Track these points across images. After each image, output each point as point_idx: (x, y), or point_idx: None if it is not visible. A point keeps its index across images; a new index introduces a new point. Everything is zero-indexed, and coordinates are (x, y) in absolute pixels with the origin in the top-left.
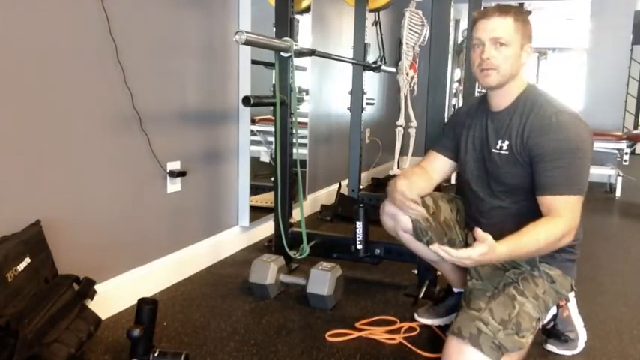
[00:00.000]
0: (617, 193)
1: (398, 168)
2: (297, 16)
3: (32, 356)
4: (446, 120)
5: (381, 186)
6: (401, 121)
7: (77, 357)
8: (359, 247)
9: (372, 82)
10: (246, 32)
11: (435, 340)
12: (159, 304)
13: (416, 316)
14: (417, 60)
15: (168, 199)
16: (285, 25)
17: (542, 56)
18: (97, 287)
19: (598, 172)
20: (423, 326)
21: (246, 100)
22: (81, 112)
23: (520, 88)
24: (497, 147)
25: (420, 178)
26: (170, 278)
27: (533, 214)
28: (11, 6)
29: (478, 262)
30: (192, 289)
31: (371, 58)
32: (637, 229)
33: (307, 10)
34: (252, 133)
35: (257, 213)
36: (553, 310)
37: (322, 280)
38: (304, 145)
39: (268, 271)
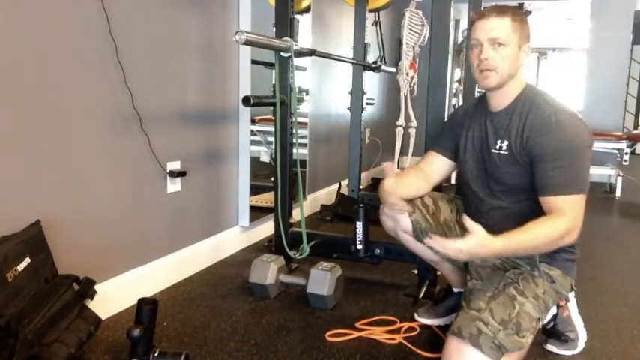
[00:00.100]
0: (617, 193)
1: (398, 168)
2: (297, 16)
3: (32, 356)
4: (446, 120)
5: None
6: (401, 121)
7: (77, 357)
8: (359, 247)
9: (372, 82)
10: (246, 32)
11: (435, 340)
12: (159, 304)
13: (416, 316)
14: (417, 60)
15: (168, 199)
16: (285, 25)
17: (542, 56)
18: (97, 287)
19: (598, 172)
20: (423, 326)
21: (246, 100)
22: (81, 112)
23: (519, 88)
24: (497, 147)
25: (416, 179)
26: (170, 278)
27: (533, 213)
28: (11, 6)
29: (473, 256)
30: (192, 289)
31: (371, 58)
32: (637, 229)
33: (307, 10)
34: (252, 133)
35: (257, 213)
36: (553, 310)
37: (322, 280)
38: (304, 145)
39: (268, 271)
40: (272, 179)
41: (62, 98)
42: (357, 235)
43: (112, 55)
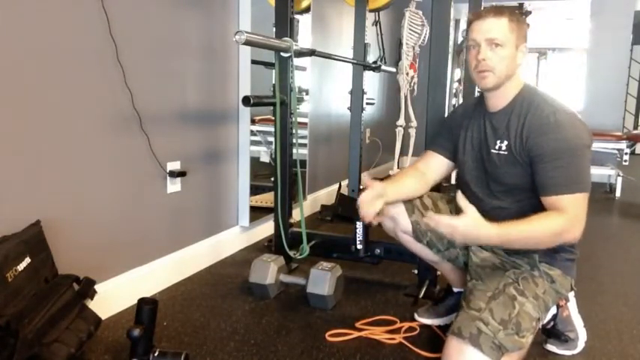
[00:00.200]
0: (617, 193)
1: (398, 168)
2: (297, 16)
3: (32, 356)
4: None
5: None
6: (401, 121)
7: (77, 357)
8: (359, 247)
9: (372, 82)
10: (246, 32)
11: (435, 340)
12: (159, 304)
13: (416, 316)
14: (417, 60)
15: (168, 199)
16: (285, 25)
17: (542, 56)
18: (97, 287)
19: (598, 172)
20: (423, 326)
21: (246, 100)
22: (81, 112)
23: (516, 88)
24: (496, 147)
25: (412, 179)
26: (170, 278)
27: (533, 213)
28: (11, 6)
29: (467, 237)
30: (192, 289)
31: (371, 58)
32: (637, 229)
33: (307, 10)
34: (252, 133)
35: (257, 213)
36: (553, 310)
37: (322, 280)
38: (304, 145)
39: (268, 271)
40: (272, 179)
41: (62, 98)
42: (357, 235)
43: (112, 55)
